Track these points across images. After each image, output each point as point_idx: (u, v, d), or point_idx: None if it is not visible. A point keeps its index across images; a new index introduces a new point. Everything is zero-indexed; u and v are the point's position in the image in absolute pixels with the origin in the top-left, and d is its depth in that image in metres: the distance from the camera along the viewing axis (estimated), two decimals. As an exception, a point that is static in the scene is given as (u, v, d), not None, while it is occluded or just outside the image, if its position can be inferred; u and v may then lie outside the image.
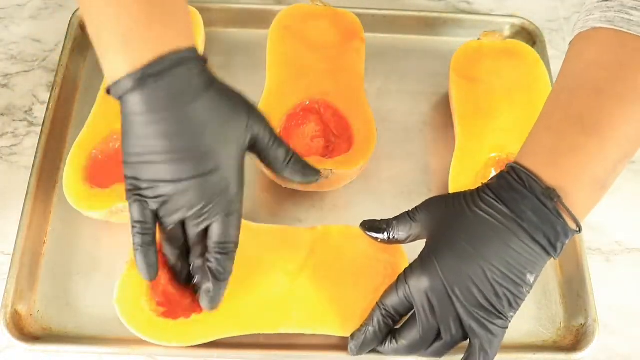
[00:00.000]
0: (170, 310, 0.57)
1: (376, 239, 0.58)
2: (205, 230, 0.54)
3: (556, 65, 0.79)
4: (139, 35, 0.47)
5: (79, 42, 0.75)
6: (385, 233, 0.57)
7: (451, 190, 0.65)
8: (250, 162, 0.68)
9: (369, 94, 0.69)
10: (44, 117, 0.69)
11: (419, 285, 0.51)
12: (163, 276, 0.59)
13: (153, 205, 0.51)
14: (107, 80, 0.49)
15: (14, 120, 0.73)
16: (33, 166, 0.66)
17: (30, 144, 0.71)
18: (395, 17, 0.80)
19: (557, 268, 0.68)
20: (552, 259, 0.51)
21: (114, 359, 0.62)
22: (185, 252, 0.56)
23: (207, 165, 0.50)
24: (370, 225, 0.58)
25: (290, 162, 0.56)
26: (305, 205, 0.69)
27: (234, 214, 0.53)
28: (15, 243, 0.62)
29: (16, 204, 0.64)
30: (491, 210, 0.50)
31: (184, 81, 0.49)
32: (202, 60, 0.51)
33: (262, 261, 0.59)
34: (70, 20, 0.75)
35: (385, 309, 0.54)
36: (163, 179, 0.50)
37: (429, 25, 0.81)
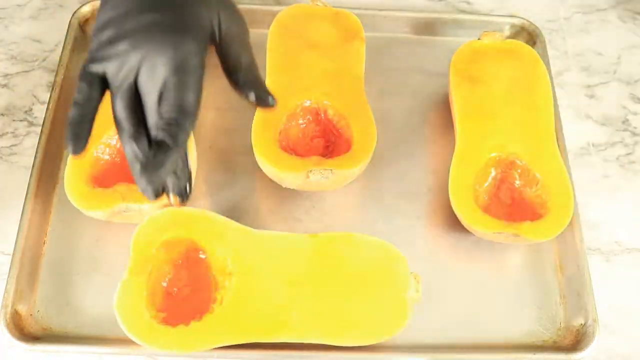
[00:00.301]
0: (170, 317, 0.57)
1: None
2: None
3: (556, 66, 0.80)
4: None
5: (79, 42, 0.75)
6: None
7: (451, 190, 0.65)
8: (251, 162, 0.68)
9: (369, 94, 0.69)
10: (44, 117, 0.69)
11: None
12: (164, 282, 0.59)
13: (104, 66, 0.48)
14: None
15: (14, 120, 0.73)
16: (33, 166, 0.66)
17: (30, 144, 0.71)
18: (395, 17, 0.80)
19: (557, 268, 0.68)
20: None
21: (114, 359, 0.62)
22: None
23: (168, 21, 0.48)
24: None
25: (249, 77, 0.52)
26: (305, 206, 0.69)
27: (190, 74, 0.48)
28: (15, 243, 0.62)
29: (16, 204, 0.64)
30: None
31: None
32: None
33: (261, 268, 0.59)
34: (70, 20, 0.75)
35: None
36: (116, 32, 0.47)
37: (429, 25, 0.81)
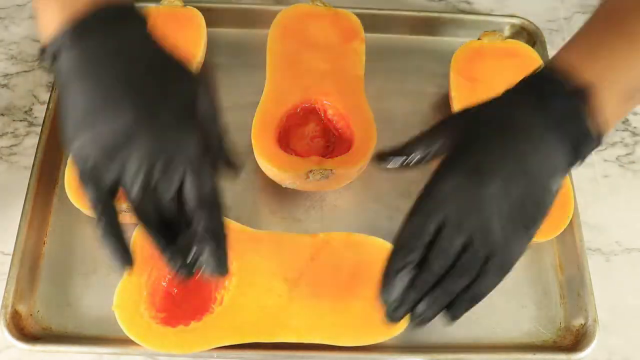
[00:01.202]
0: (169, 317, 0.57)
1: (390, 166, 0.52)
2: (180, 201, 0.47)
3: (556, 65, 0.80)
4: None
5: (79, 42, 0.75)
6: (403, 153, 0.51)
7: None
8: (251, 162, 0.68)
9: (369, 94, 0.69)
10: (44, 117, 0.69)
11: (449, 190, 0.46)
12: (163, 282, 0.59)
13: (109, 177, 0.45)
14: (43, 40, 0.45)
15: (14, 120, 0.73)
16: (33, 166, 0.66)
17: (30, 144, 0.71)
18: (395, 17, 0.80)
19: (557, 268, 0.68)
20: (575, 167, 0.49)
21: (114, 359, 0.62)
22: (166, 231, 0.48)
23: (155, 115, 0.45)
24: (387, 152, 0.52)
25: (220, 146, 0.50)
26: (305, 206, 0.69)
27: (203, 165, 0.47)
28: (15, 243, 0.62)
29: (16, 204, 0.64)
30: (517, 112, 0.48)
31: (124, 35, 0.45)
32: (139, 13, 0.47)
33: (261, 268, 0.59)
34: (70, 20, 0.75)
35: (402, 238, 0.47)
36: (112, 140, 0.44)
37: (429, 25, 0.81)
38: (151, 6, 0.74)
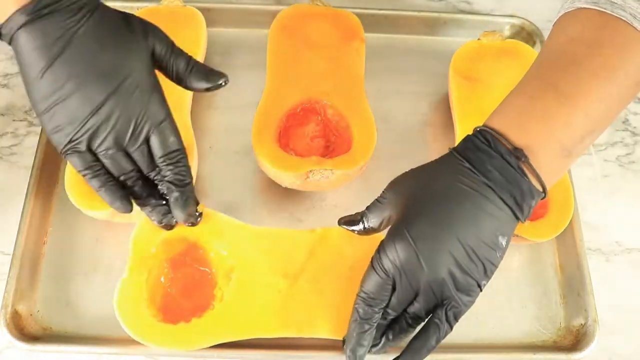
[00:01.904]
0: (170, 315, 0.57)
1: (353, 231, 0.56)
2: (149, 153, 0.54)
3: (556, 65, 0.80)
4: None
5: (79, 42, 0.75)
6: (360, 224, 0.55)
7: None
8: (250, 162, 0.68)
9: (369, 94, 0.69)
10: (44, 117, 0.69)
11: (393, 257, 0.50)
12: (164, 281, 0.59)
13: (85, 144, 0.52)
14: None
15: (14, 120, 0.73)
16: (33, 166, 0.66)
17: (30, 144, 0.71)
18: (395, 17, 0.80)
19: (557, 268, 0.68)
20: (520, 222, 0.51)
21: (114, 359, 0.62)
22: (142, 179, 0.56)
23: (116, 81, 0.51)
24: (347, 220, 0.56)
25: (192, 70, 0.56)
26: (305, 205, 0.69)
27: (164, 121, 0.54)
28: (15, 243, 0.62)
29: (16, 204, 0.64)
30: (458, 175, 0.50)
31: (76, 10, 0.49)
32: None
33: (261, 264, 0.59)
34: (70, 20, 0.75)
35: (364, 293, 0.52)
36: (81, 113, 0.50)
37: (429, 25, 0.81)
38: (151, 6, 0.74)
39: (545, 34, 0.80)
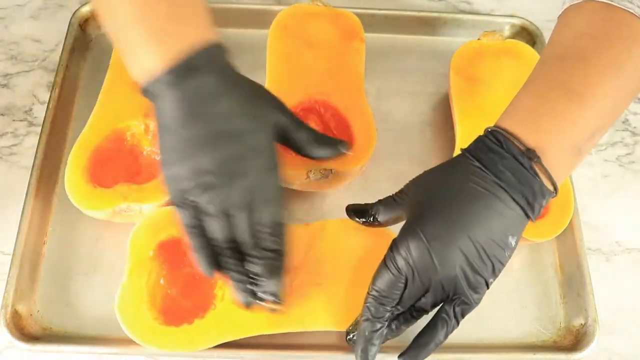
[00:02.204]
0: (172, 317, 0.57)
1: (357, 221, 0.57)
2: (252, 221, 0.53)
3: (556, 65, 0.80)
4: (168, 31, 0.49)
5: (79, 42, 0.75)
6: (369, 216, 0.56)
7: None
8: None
9: (369, 94, 0.69)
10: (44, 117, 0.69)
11: (407, 256, 0.51)
12: (164, 282, 0.59)
13: (197, 199, 0.51)
14: (138, 78, 0.50)
15: (14, 120, 0.73)
16: (33, 166, 0.66)
17: (30, 144, 0.71)
18: (395, 17, 0.80)
19: (557, 268, 0.68)
20: (530, 221, 0.51)
21: (114, 359, 0.62)
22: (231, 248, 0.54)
23: (242, 147, 0.51)
24: (356, 208, 0.58)
25: (314, 140, 0.57)
26: (306, 206, 0.69)
27: (277, 194, 0.53)
28: (15, 243, 0.62)
29: (16, 204, 0.64)
30: (471, 175, 0.50)
31: (217, 76, 0.51)
32: (227, 53, 0.52)
33: None
34: (70, 20, 0.75)
35: (376, 291, 0.52)
36: (203, 169, 0.50)
37: (429, 25, 0.81)
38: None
39: (546, 34, 0.80)
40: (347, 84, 0.69)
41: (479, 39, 0.74)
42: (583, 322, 0.63)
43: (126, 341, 0.57)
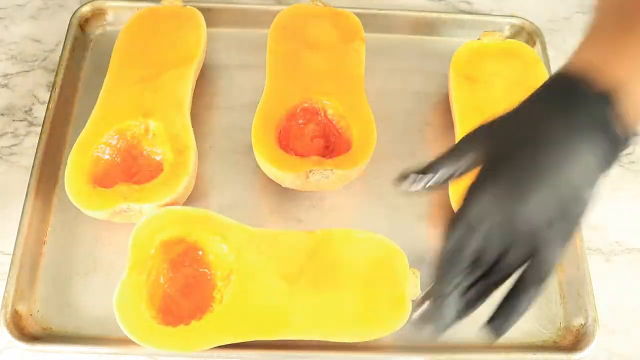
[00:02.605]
0: (170, 317, 0.57)
1: (416, 188, 0.51)
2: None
3: (556, 66, 0.80)
4: None
5: (79, 42, 0.75)
6: (429, 176, 0.50)
7: (451, 191, 0.65)
8: (250, 162, 0.68)
9: (369, 94, 0.69)
10: (44, 117, 0.69)
11: (480, 209, 0.46)
12: (163, 281, 0.59)
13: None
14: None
15: (14, 120, 0.73)
16: (33, 166, 0.66)
17: (30, 144, 0.71)
18: (395, 17, 0.80)
19: (557, 268, 0.68)
20: (606, 173, 0.47)
21: (114, 359, 0.62)
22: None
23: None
24: (407, 172, 0.51)
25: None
26: (305, 206, 0.69)
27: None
28: (15, 243, 0.62)
29: (16, 204, 0.64)
30: (546, 122, 0.47)
31: None
32: None
33: (261, 266, 0.59)
34: (70, 20, 0.75)
35: (448, 252, 0.47)
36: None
37: (429, 25, 0.81)
38: (151, 6, 0.74)
39: (546, 34, 0.80)
40: (347, 84, 0.69)
41: (479, 39, 0.74)
42: (583, 322, 0.63)
43: (126, 341, 0.57)
